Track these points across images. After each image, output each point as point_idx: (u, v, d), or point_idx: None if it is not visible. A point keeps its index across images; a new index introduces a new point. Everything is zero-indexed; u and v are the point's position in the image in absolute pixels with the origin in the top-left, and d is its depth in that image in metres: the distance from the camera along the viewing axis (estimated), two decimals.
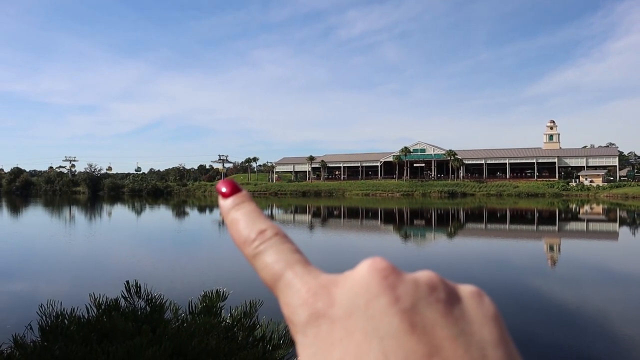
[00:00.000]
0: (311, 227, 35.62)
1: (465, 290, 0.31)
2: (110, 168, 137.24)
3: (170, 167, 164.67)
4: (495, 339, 0.28)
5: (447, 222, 40.68)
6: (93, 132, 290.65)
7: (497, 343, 0.27)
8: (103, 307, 3.46)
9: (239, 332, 3.47)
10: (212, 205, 65.96)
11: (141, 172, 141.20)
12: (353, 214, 50.61)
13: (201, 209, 59.55)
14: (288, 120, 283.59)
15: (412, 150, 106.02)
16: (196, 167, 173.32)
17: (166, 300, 3.67)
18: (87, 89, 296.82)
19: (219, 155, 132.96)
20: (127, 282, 3.73)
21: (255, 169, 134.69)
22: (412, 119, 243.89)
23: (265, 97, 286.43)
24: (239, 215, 0.36)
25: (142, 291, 3.64)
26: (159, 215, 50.54)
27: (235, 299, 3.87)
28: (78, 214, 49.80)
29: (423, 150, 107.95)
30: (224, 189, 0.37)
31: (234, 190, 0.37)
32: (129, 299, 3.63)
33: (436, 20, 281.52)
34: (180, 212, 53.35)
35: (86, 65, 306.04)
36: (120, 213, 54.43)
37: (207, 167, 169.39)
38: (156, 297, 3.57)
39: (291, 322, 0.30)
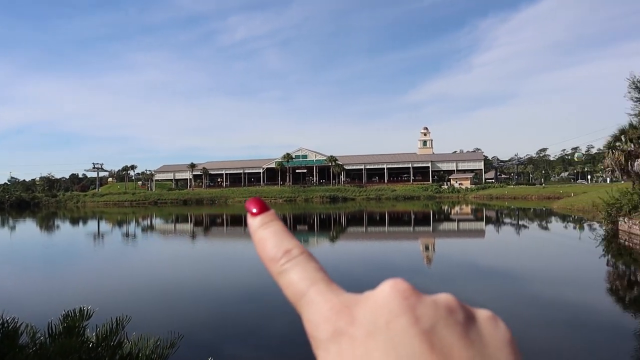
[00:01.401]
0: (193, 236, 34.72)
1: (482, 314, 0.32)
2: None
3: (38, 177, 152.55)
4: None
5: (329, 227, 41.61)
6: None
7: None
8: None
9: (103, 352, 3.28)
10: (86, 217, 62.01)
11: (4, 183, 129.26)
12: (236, 221, 50.10)
13: (73, 222, 55.67)
14: (168, 126, 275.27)
15: (294, 157, 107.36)
16: (67, 176, 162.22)
17: (21, 324, 3.38)
18: None
19: (94, 164, 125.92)
20: None
21: (133, 177, 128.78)
22: (294, 125, 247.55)
23: (144, 103, 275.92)
24: (266, 233, 0.37)
25: None
26: (23, 230, 46.50)
27: (101, 316, 3.66)
28: None
29: (305, 157, 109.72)
30: (253, 209, 0.38)
31: (262, 209, 0.39)
32: None
33: (318, 28, 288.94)
34: (48, 226, 49.46)
35: None
36: None
37: (81, 176, 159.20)
38: (9, 320, 3.28)
39: (313, 338, 0.32)
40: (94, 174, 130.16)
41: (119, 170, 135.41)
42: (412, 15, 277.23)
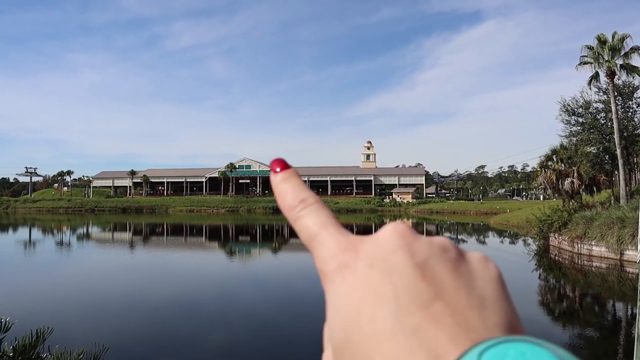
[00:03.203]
0: (131, 246, 33.68)
1: (474, 254, 0.36)
2: None
3: None
4: (495, 294, 0.32)
5: (272, 238, 41.40)
6: None
7: (497, 297, 0.32)
8: None
9: None
10: (16, 224, 59.09)
11: None
12: (177, 231, 49.03)
13: (2, 229, 52.87)
14: (107, 131, 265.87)
15: (237, 167, 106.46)
16: None
17: None
18: None
19: (26, 168, 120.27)
20: None
21: (69, 184, 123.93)
22: (238, 135, 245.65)
23: (81, 106, 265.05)
24: (286, 187, 0.42)
25: None
26: None
27: (21, 329, 3.46)
28: None
29: (249, 167, 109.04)
30: (277, 168, 0.43)
31: (284, 167, 0.44)
32: None
33: (264, 38, 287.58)
34: None
35: None
36: None
37: (12, 180, 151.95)
38: None
39: (322, 272, 0.36)
40: (27, 179, 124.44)
41: (54, 175, 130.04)
42: (358, 31, 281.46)
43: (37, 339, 3.23)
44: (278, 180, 0.43)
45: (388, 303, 0.30)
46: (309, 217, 0.40)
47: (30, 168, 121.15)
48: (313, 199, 0.42)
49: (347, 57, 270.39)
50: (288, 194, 0.42)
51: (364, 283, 0.32)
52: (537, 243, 29.28)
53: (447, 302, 0.30)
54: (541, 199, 70.83)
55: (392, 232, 0.35)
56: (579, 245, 23.74)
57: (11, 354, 3.20)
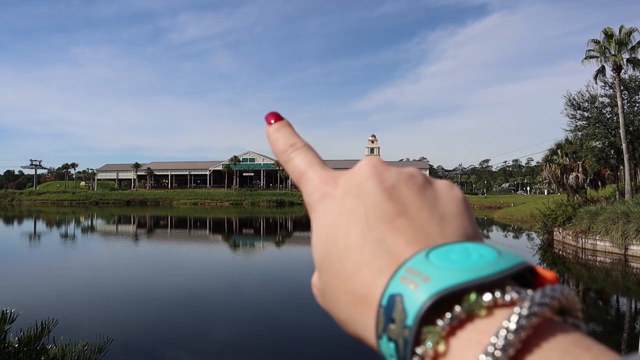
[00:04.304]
0: (136, 238, 33.80)
1: (440, 181, 0.40)
2: None
3: None
4: (456, 212, 0.36)
5: (275, 231, 41.46)
6: None
7: (458, 214, 0.36)
8: None
9: (25, 357, 3.10)
10: (21, 216, 59.34)
11: None
12: (181, 223, 49.15)
13: (6, 221, 53.11)
14: (112, 124, 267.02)
15: (241, 160, 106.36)
16: (2, 173, 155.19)
17: None
18: None
19: (31, 160, 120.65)
20: None
21: (74, 176, 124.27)
22: (242, 128, 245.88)
23: (86, 99, 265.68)
24: (279, 135, 0.46)
25: None
26: None
27: (26, 320, 3.47)
28: None
29: (252, 160, 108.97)
30: (271, 120, 0.48)
31: (277, 119, 0.48)
32: None
33: (268, 32, 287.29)
34: None
35: None
36: None
37: (17, 172, 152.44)
38: None
39: (308, 204, 0.41)
40: (32, 171, 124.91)
41: (58, 168, 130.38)
42: (363, 24, 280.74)
43: (42, 330, 3.24)
44: (272, 130, 0.47)
45: (359, 220, 0.35)
46: (297, 159, 0.44)
47: (35, 160, 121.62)
48: (301, 143, 0.46)
49: (352, 51, 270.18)
50: (280, 140, 0.46)
51: (341, 206, 0.37)
52: (541, 237, 29.25)
53: (409, 217, 0.34)
54: (545, 193, 70.66)
55: (365, 164, 0.39)
56: (583, 240, 23.69)
57: (16, 345, 3.21)
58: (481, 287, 0.27)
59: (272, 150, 0.47)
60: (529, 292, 0.27)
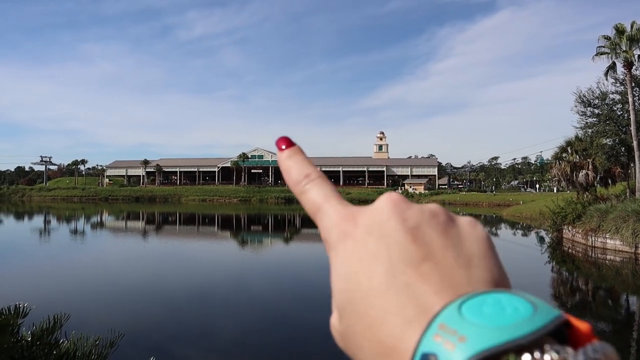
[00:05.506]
0: (145, 234, 33.98)
1: (463, 218, 0.39)
2: None
3: None
4: (482, 253, 0.35)
5: (284, 228, 41.52)
6: None
7: (483, 256, 0.35)
8: None
9: (38, 351, 3.14)
10: (31, 212, 59.80)
11: None
12: (189, 220, 49.35)
13: (17, 216, 53.57)
14: (121, 121, 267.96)
15: (250, 156, 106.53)
16: (12, 169, 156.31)
17: None
18: None
19: (42, 157, 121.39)
20: None
21: (83, 173, 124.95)
22: (250, 125, 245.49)
23: (95, 96, 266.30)
24: (291, 163, 0.45)
25: None
26: None
27: (38, 314, 3.51)
28: None
29: (261, 157, 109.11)
30: (282, 146, 0.46)
31: (289, 144, 0.47)
32: None
33: (276, 29, 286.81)
34: None
35: None
36: None
37: (27, 169, 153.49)
38: None
39: (326, 241, 0.39)
40: (42, 168, 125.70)
41: (68, 164, 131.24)
42: (371, 20, 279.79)
43: (54, 324, 3.28)
44: (284, 157, 0.46)
45: (383, 263, 0.33)
46: (312, 191, 0.43)
47: (45, 157, 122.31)
48: (316, 174, 0.44)
49: (360, 48, 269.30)
50: (293, 169, 0.45)
51: (363, 247, 0.36)
52: (550, 235, 29.10)
53: (435, 262, 0.33)
54: (555, 191, 70.27)
55: (386, 201, 0.38)
56: (593, 238, 23.55)
57: (29, 339, 3.25)
58: (519, 347, 0.26)
59: (285, 179, 0.45)
60: (569, 350, 0.26)
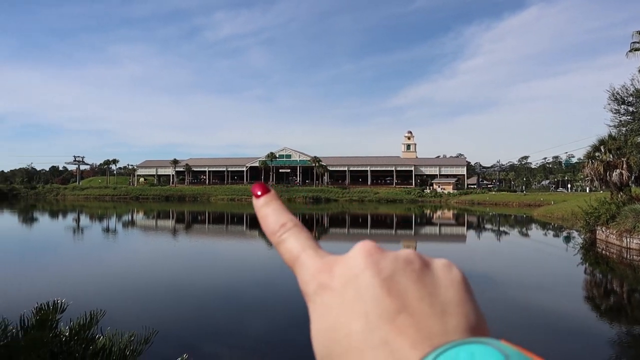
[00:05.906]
0: (173, 233, 34.45)
1: (438, 262, 0.39)
2: None
3: (17, 168, 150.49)
4: (457, 299, 0.36)
5: (312, 227, 41.58)
6: None
7: (459, 301, 0.35)
8: None
9: (76, 346, 3.23)
10: (65, 210, 61.21)
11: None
12: (218, 219, 49.84)
13: (52, 215, 54.91)
14: (150, 121, 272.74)
15: (278, 156, 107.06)
16: (47, 169, 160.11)
17: None
18: None
19: (74, 156, 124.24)
20: None
21: (115, 172, 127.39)
22: (277, 125, 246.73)
23: (125, 96, 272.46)
24: (268, 211, 0.45)
25: None
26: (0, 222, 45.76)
27: (75, 310, 3.60)
28: None
29: (289, 156, 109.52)
30: (258, 192, 0.47)
31: (265, 191, 0.47)
32: None
33: (302, 29, 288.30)
34: (26, 219, 48.71)
35: None
36: None
37: (61, 168, 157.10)
38: None
39: (304, 293, 0.39)
40: (75, 167, 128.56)
41: (100, 164, 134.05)
42: (397, 19, 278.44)
43: (90, 320, 3.36)
44: (260, 205, 0.46)
45: (360, 319, 0.34)
46: (289, 241, 0.43)
47: (78, 157, 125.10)
48: (292, 223, 0.45)
49: (386, 47, 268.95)
50: (269, 217, 0.45)
51: (340, 301, 0.36)
52: (583, 236, 28.50)
53: (410, 313, 0.33)
54: (587, 190, 68.77)
55: (360, 251, 0.39)
56: (628, 240, 22.98)
57: (67, 334, 3.34)
58: None
59: (262, 227, 0.45)
60: None
